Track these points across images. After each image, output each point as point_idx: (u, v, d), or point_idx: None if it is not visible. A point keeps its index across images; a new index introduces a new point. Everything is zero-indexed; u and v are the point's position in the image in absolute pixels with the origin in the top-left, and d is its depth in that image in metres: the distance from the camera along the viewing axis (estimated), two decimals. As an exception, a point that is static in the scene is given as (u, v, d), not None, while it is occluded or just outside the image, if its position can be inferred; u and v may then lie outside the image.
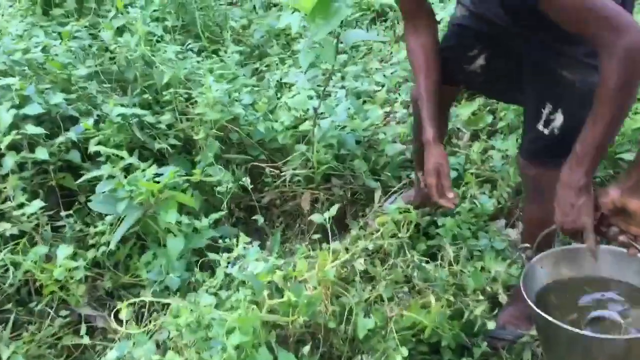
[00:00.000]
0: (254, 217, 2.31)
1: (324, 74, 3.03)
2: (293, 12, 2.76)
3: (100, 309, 2.14)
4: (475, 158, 2.65)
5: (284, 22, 2.65)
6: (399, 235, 2.40)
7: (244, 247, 1.83)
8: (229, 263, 1.81)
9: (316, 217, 2.14)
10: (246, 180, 2.70)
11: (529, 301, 1.41)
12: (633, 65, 1.27)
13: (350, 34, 2.40)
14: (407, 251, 2.33)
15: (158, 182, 2.08)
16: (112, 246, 1.95)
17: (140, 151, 2.49)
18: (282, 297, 1.56)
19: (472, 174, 2.60)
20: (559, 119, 1.60)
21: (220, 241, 2.05)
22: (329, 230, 1.98)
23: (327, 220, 1.94)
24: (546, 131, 1.62)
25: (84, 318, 2.09)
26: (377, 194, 2.67)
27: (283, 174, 2.68)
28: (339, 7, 1.97)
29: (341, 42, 2.34)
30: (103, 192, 1.97)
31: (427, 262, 2.35)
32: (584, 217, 1.37)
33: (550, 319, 1.33)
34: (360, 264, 1.85)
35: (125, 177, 2.07)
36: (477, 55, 1.79)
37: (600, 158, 1.40)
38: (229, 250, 1.91)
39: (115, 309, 2.15)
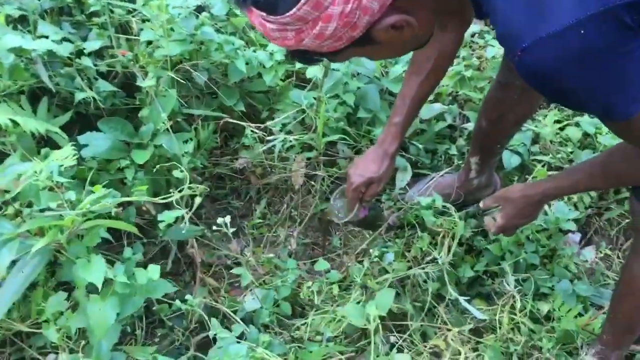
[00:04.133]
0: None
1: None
2: None
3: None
4: (549, 137, 1.85)
5: None
6: (437, 256, 1.67)
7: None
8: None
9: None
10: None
11: None
12: None
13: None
14: (448, 284, 1.62)
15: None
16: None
17: (50, 102, 1.58)
18: None
19: (542, 164, 1.82)
20: None
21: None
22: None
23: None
24: None
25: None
26: (402, 177, 1.88)
27: (271, 138, 1.83)
28: None
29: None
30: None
31: (468, 298, 1.66)
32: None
33: None
34: None
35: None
36: None
37: None
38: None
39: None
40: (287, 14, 0.80)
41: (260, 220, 1.89)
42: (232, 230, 1.92)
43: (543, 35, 0.76)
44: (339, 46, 0.87)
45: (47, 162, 1.32)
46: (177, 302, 1.27)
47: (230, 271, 1.70)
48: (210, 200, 1.96)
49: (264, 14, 0.82)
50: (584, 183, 1.21)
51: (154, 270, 1.22)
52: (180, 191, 1.38)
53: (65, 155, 1.35)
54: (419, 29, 0.89)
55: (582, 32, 0.73)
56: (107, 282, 1.21)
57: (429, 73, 1.40)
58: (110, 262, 1.28)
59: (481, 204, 1.54)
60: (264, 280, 1.71)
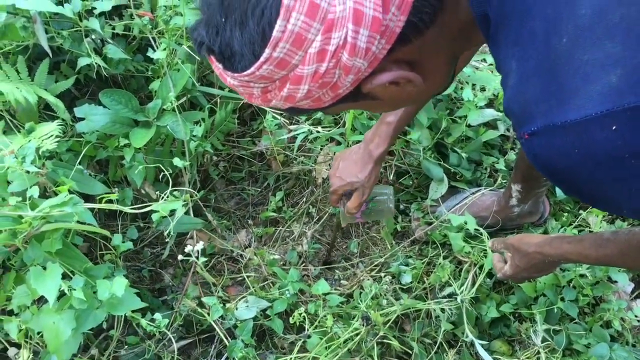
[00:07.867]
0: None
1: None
2: None
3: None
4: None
5: None
6: (456, 292, 1.46)
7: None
8: None
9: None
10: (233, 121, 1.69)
11: None
12: None
13: None
14: (465, 324, 1.42)
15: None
16: None
17: (53, 66, 1.45)
18: None
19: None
20: None
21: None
22: None
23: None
24: None
25: None
26: (436, 188, 1.66)
27: (294, 127, 1.64)
28: None
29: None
30: None
31: (487, 342, 1.47)
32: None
33: None
34: None
35: None
36: None
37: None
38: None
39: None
40: (246, 72, 0.60)
41: (277, 207, 1.73)
42: (242, 218, 1.78)
43: (557, 123, 0.53)
44: (321, 105, 0.67)
45: (24, 141, 1.19)
46: (143, 321, 1.14)
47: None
48: (225, 182, 1.81)
49: (221, 66, 0.63)
50: (612, 260, 1.04)
51: (119, 284, 1.08)
52: (171, 192, 1.22)
53: (48, 133, 1.23)
54: (428, 83, 0.67)
55: (614, 127, 0.50)
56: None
57: None
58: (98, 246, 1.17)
59: (489, 243, 1.35)
60: (263, 286, 1.57)
